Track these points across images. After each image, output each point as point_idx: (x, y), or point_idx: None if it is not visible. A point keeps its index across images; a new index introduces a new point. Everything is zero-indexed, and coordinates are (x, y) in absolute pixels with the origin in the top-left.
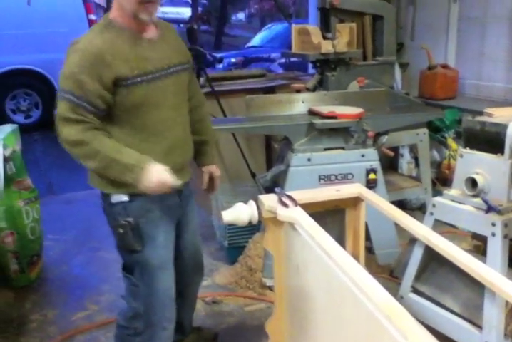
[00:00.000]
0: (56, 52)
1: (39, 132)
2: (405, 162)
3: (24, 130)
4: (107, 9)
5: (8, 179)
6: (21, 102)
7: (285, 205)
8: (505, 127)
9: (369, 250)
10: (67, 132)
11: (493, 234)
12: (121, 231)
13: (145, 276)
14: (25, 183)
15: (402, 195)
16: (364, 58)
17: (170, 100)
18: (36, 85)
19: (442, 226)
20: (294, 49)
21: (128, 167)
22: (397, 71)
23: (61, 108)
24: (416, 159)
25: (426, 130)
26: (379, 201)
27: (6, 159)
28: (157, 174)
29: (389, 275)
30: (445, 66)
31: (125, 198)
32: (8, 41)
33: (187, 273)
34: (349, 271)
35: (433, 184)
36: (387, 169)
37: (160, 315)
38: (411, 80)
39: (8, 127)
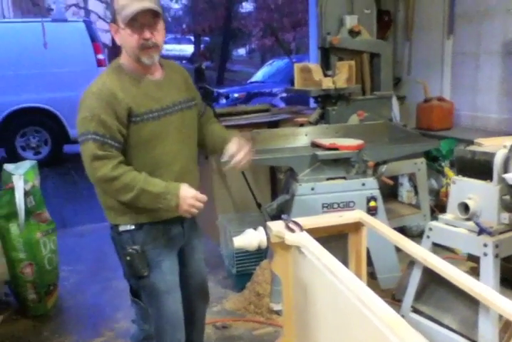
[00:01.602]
0: (65, 91)
1: (48, 168)
2: (405, 191)
3: None
4: (113, 48)
5: (28, 212)
6: (30, 139)
7: (292, 230)
8: (493, 155)
9: (371, 275)
10: (100, 170)
11: (485, 254)
12: (129, 258)
13: (152, 300)
14: (43, 216)
15: (402, 222)
16: (363, 93)
17: (173, 134)
18: (45, 122)
19: (442, 252)
20: (297, 85)
21: (160, 195)
22: (395, 104)
23: (89, 148)
24: (415, 187)
25: (423, 160)
26: (378, 225)
27: (26, 193)
28: (189, 198)
29: (391, 299)
30: (440, 99)
31: (131, 227)
32: (20, 81)
33: (194, 300)
34: (353, 288)
35: (432, 211)
36: (388, 198)
37: (170, 336)
38: (409, 112)
39: (27, 163)
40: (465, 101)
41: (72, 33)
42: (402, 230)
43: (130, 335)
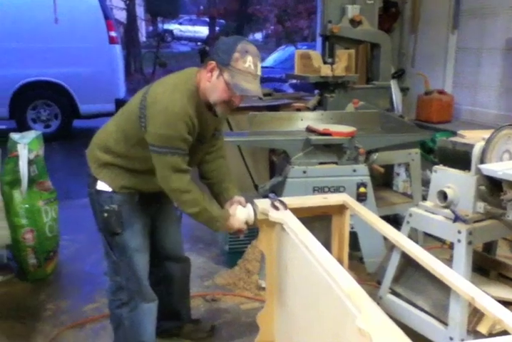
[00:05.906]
0: (77, 66)
1: (57, 141)
2: (401, 181)
3: (43, 139)
4: (128, 26)
5: (31, 181)
6: (41, 112)
7: (276, 208)
8: (472, 147)
9: (361, 259)
10: (179, 181)
11: (459, 241)
12: (106, 215)
13: (123, 256)
14: (46, 185)
15: (393, 210)
16: (367, 82)
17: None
18: (56, 96)
19: (431, 242)
20: (297, 71)
21: (215, 217)
22: (397, 95)
23: (175, 161)
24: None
25: (417, 150)
26: (361, 209)
27: (30, 162)
28: (237, 223)
29: (377, 282)
30: (441, 92)
31: (111, 189)
32: (33, 55)
33: (167, 261)
34: (322, 261)
35: (425, 200)
36: (382, 187)
37: (139, 288)
38: (411, 103)
39: (32, 133)
40: (466, 96)
41: (85, 10)
42: (396, 218)
43: (105, 290)
